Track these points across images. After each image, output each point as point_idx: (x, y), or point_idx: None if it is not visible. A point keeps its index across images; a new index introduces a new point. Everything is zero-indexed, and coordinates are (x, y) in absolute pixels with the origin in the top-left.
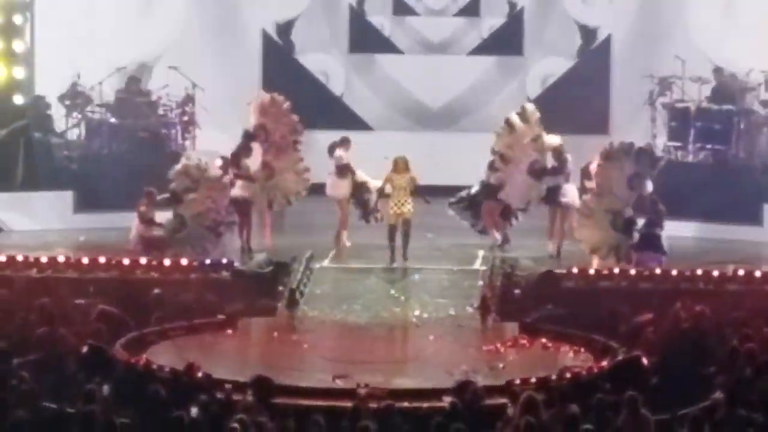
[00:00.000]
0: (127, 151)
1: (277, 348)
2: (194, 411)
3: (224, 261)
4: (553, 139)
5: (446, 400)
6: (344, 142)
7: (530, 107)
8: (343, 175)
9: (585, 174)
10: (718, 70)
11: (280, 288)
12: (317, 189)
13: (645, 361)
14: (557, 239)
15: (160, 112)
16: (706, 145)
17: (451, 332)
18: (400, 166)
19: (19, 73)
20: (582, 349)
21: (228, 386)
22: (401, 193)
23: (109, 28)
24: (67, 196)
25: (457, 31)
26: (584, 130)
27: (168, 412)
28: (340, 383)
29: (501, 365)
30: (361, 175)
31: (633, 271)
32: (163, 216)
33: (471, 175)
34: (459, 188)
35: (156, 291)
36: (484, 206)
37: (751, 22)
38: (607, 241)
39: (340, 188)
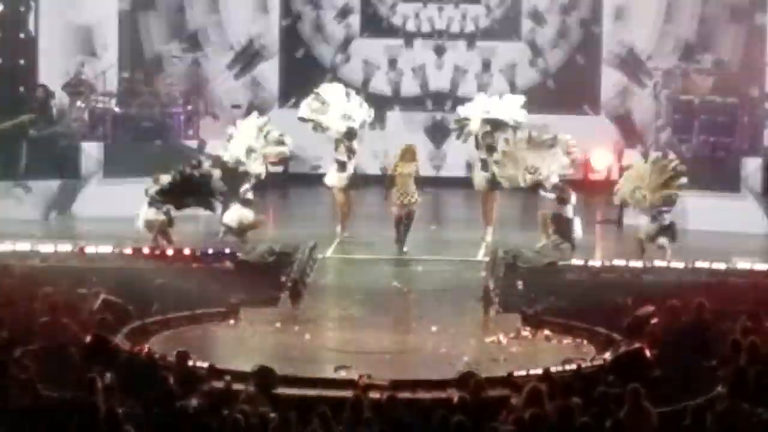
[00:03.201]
0: (131, 140)
1: (279, 338)
2: (194, 401)
3: (227, 251)
4: None
5: (452, 394)
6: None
7: None
8: (342, 169)
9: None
10: (719, 63)
11: (283, 278)
12: (320, 179)
13: (647, 353)
14: None
15: (164, 101)
16: (710, 137)
17: (454, 324)
18: (408, 154)
19: (21, 62)
20: (584, 341)
21: (227, 377)
22: (407, 181)
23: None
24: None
25: None
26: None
27: (171, 402)
28: (342, 374)
29: (503, 357)
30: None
31: (636, 264)
32: None
33: None
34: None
35: (158, 281)
36: None
37: None
38: None
39: (334, 178)
